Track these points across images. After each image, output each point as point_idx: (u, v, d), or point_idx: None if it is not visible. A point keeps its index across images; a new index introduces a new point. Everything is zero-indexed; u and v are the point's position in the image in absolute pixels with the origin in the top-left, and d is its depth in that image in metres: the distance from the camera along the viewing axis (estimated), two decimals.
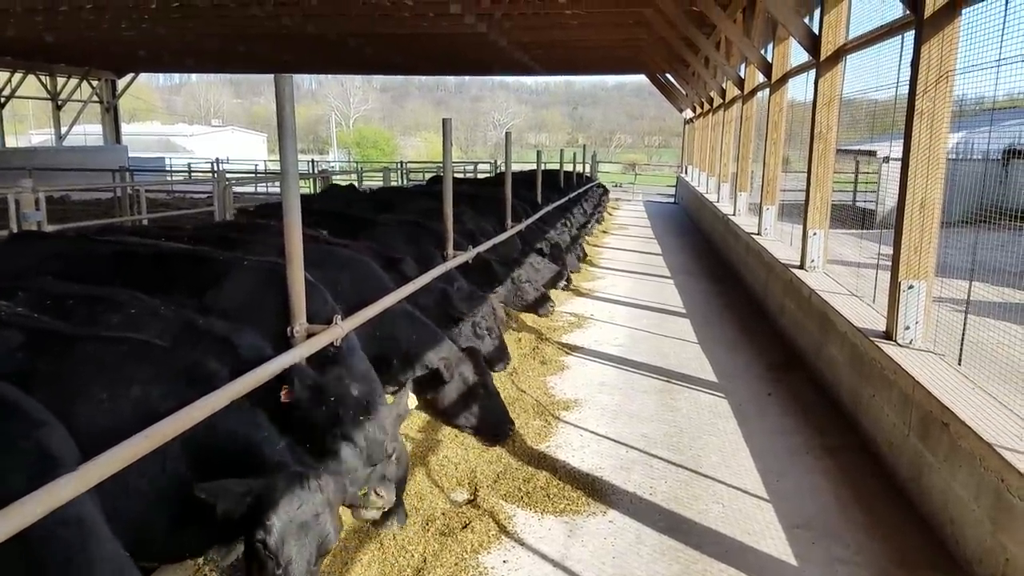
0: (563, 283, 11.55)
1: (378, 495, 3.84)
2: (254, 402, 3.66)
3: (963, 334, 5.25)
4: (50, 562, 2.59)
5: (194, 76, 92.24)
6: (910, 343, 5.84)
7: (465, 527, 4.60)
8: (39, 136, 48.80)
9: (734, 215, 15.55)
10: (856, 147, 15.80)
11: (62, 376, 3.45)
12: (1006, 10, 4.74)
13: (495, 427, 5.89)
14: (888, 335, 6.04)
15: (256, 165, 38.32)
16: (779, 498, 5.12)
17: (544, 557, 4.38)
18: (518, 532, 4.62)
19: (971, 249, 5.33)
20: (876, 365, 5.91)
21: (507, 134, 10.80)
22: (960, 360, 5.29)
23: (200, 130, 65.28)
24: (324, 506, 3.19)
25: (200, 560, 3.76)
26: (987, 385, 4.89)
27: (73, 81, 32.39)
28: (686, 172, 32.10)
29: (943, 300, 6.16)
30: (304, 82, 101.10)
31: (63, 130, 32.93)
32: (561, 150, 21.02)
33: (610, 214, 25.28)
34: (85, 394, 3.37)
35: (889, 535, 4.66)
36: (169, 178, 31.42)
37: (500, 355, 7.27)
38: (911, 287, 5.84)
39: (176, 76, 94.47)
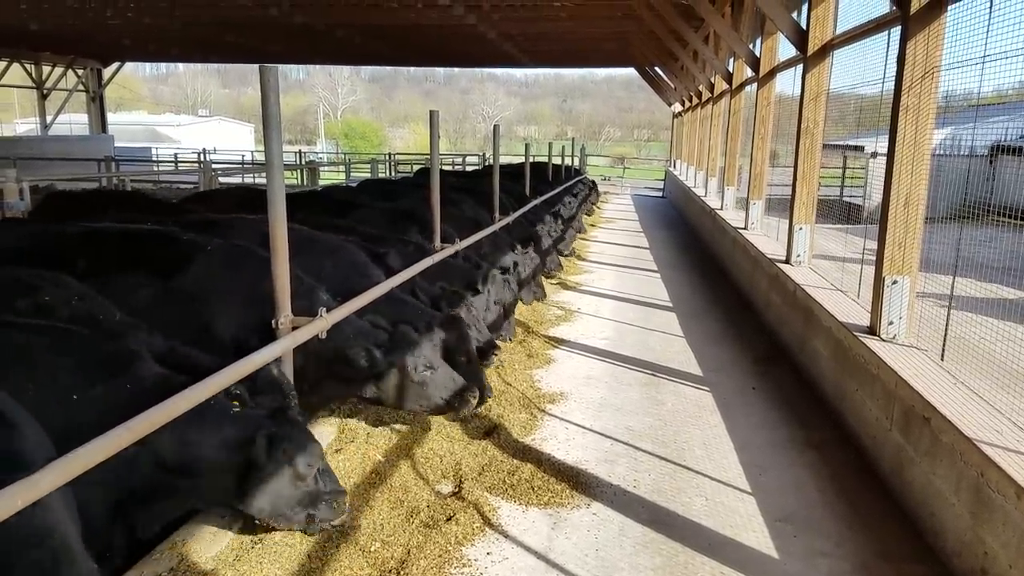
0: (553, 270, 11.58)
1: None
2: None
3: (946, 329, 5.29)
4: None
5: (181, 66, 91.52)
6: (893, 338, 5.87)
7: (449, 519, 4.60)
8: (24, 125, 48.27)
9: (721, 209, 15.59)
10: (843, 142, 15.88)
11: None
12: (991, 7, 4.76)
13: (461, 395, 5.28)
14: (872, 330, 6.08)
15: (243, 155, 38.08)
16: (762, 491, 5.16)
17: (528, 549, 4.39)
18: (502, 524, 4.63)
19: (955, 245, 5.36)
20: (860, 360, 5.95)
21: (495, 127, 10.78)
22: (943, 355, 5.33)
23: (187, 120, 64.54)
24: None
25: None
26: (969, 380, 4.93)
27: (59, 70, 32.02)
28: (674, 166, 32.15)
29: (927, 295, 6.20)
30: (291, 72, 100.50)
31: (48, 119, 32.58)
32: (549, 143, 21.00)
33: (598, 208, 25.29)
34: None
35: (870, 528, 4.70)
36: (155, 168, 31.21)
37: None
38: (895, 282, 5.87)
39: (163, 65, 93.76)
